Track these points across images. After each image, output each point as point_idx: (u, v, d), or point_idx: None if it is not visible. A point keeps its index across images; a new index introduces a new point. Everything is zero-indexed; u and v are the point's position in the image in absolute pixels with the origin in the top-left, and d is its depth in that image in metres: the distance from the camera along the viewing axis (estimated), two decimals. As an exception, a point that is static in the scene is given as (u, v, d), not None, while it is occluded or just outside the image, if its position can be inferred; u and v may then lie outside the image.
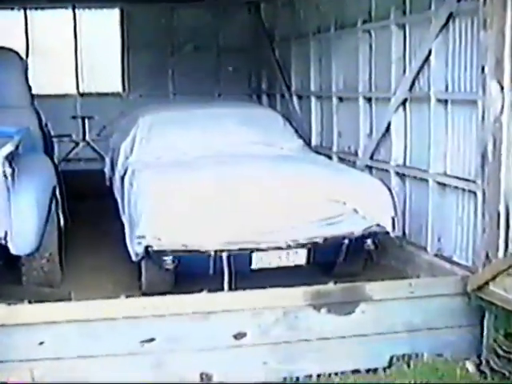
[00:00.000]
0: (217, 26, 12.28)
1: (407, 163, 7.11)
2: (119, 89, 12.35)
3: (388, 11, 7.22)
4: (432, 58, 6.42)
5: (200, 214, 5.66)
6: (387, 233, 6.13)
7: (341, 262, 6.18)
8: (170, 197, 5.76)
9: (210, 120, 7.59)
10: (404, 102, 7.04)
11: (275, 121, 7.92)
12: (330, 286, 5.02)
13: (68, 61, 12.17)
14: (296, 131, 8.07)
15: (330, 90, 8.89)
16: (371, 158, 7.80)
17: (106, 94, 12.29)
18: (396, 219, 6.15)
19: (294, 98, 10.45)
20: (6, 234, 5.45)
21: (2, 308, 4.31)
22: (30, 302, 4.63)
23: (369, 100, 7.89)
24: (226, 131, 7.44)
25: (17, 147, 5.94)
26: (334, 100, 8.80)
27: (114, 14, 12.22)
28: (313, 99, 9.65)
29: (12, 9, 12.10)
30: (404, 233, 6.99)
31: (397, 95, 7.07)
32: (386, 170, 7.37)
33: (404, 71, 7.00)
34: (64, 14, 12.22)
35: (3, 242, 5.47)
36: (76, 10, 12.20)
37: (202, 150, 7.10)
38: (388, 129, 7.33)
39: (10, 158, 5.47)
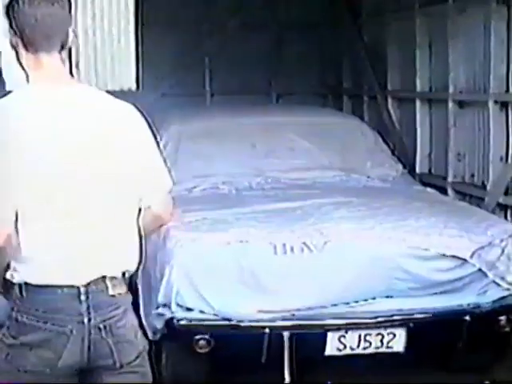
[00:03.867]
0: (275, -8, 12.45)
1: (562, 202, 7.08)
2: (132, 85, 12.56)
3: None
4: None
5: (250, 275, 5.69)
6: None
7: (460, 350, 6.13)
8: (207, 250, 5.82)
9: (264, 134, 7.67)
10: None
11: (361, 135, 7.98)
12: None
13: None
14: (392, 152, 8.09)
15: (446, 90, 8.89)
16: (506, 193, 7.76)
17: (113, 93, 12.46)
18: (544, 287, 6.10)
19: (390, 102, 10.48)
20: None
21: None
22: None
23: (504, 105, 7.88)
24: (288, 151, 7.52)
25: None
26: (451, 105, 8.80)
27: (126, -26, 12.49)
28: (418, 104, 9.66)
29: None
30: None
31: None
32: (530, 212, 7.33)
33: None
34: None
35: None
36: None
37: (253, 178, 7.19)
38: (533, 149, 7.32)
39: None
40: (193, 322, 5.68)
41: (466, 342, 5.98)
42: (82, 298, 3.48)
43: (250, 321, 5.67)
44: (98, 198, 3.53)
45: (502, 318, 5.99)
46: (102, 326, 3.54)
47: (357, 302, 5.77)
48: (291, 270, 5.76)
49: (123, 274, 3.60)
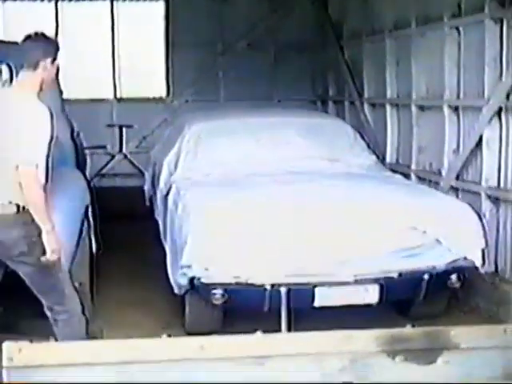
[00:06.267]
0: (275, 20, 12.36)
1: (501, 185, 7.03)
2: (162, 93, 12.53)
3: (481, 3, 7.16)
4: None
5: (255, 242, 5.70)
6: (476, 268, 6.06)
7: (419, 302, 6.14)
8: (221, 221, 5.81)
9: (266, 131, 7.65)
10: (499, 112, 6.97)
11: (343, 133, 7.94)
12: (408, 329, 4.95)
13: (104, 61, 12.41)
14: (368, 145, 8.06)
15: (410, 97, 8.85)
16: (457, 178, 7.73)
17: (148, 100, 12.49)
18: (486, 251, 6.08)
19: (366, 107, 10.44)
20: (30, 260, 5.55)
21: (24, 347, 4.38)
22: (56, 340, 4.70)
23: (456, 109, 7.84)
24: (285, 144, 7.49)
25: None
26: (414, 109, 8.76)
27: (158, 6, 12.44)
28: (388, 108, 9.62)
29: (41, 0, 12.42)
30: (497, 268, 6.89)
31: (490, 104, 7.01)
32: (476, 193, 7.29)
33: (500, 75, 6.94)
34: (100, 7, 12.49)
35: (27, 269, 5.57)
36: (114, 2, 12.44)
37: (257, 166, 7.16)
38: (479, 144, 7.27)
39: (38, 173, 5.58)
40: (210, 280, 5.68)
41: (424, 295, 5.98)
42: None
43: (256, 279, 5.66)
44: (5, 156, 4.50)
45: (453, 276, 6.00)
46: None
47: (338, 264, 5.76)
48: (287, 236, 5.75)
49: (10, 202, 4.56)
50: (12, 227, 4.63)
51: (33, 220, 4.60)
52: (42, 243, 4.63)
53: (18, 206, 4.59)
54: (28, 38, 4.72)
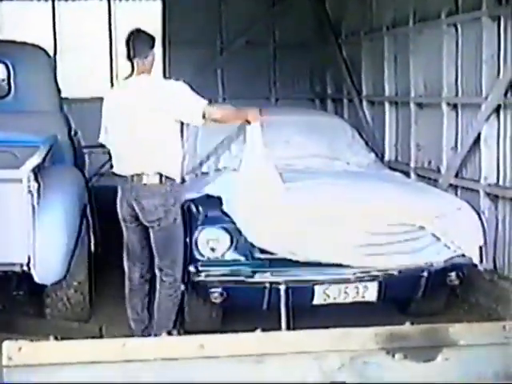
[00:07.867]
0: (273, 17, 12.38)
1: (500, 182, 7.05)
2: (159, 92, 12.54)
3: (479, 0, 7.19)
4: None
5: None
6: (474, 265, 6.08)
7: (418, 299, 6.16)
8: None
9: (265, 129, 7.61)
10: (498, 109, 6.99)
11: (342, 131, 7.94)
12: (406, 326, 4.96)
13: (102, 59, 12.44)
14: (366, 143, 8.07)
15: (408, 94, 8.87)
16: (456, 175, 7.75)
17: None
18: (485, 249, 6.10)
19: (365, 104, 10.46)
20: (29, 259, 5.58)
21: (24, 345, 4.40)
22: (56, 339, 4.71)
23: (454, 107, 7.86)
24: (284, 142, 7.48)
25: (43, 159, 6.09)
26: (413, 107, 8.78)
27: (155, 4, 12.46)
28: (387, 105, 9.64)
29: (38, -1, 12.45)
30: (495, 265, 6.91)
31: (489, 101, 7.03)
32: (475, 190, 7.31)
33: (498, 72, 6.96)
34: (97, 6, 12.52)
35: (26, 268, 5.60)
36: (111, 1, 12.47)
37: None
38: (477, 141, 7.29)
39: (36, 171, 5.61)
40: (209, 279, 5.70)
41: (423, 292, 6.00)
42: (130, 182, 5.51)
43: (255, 277, 5.68)
44: (147, 130, 5.50)
45: (452, 273, 6.02)
46: (135, 198, 5.53)
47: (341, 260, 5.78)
48: (291, 232, 5.77)
49: (159, 173, 5.47)
50: (154, 196, 5.51)
51: (170, 190, 5.54)
52: (175, 211, 5.58)
53: (160, 177, 5.48)
54: (132, 34, 5.68)
